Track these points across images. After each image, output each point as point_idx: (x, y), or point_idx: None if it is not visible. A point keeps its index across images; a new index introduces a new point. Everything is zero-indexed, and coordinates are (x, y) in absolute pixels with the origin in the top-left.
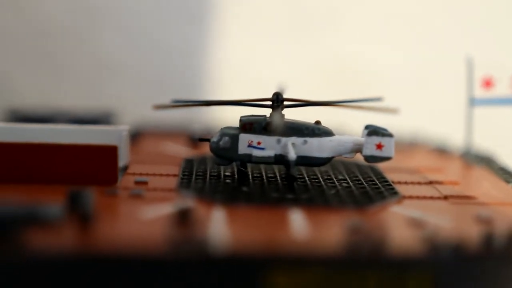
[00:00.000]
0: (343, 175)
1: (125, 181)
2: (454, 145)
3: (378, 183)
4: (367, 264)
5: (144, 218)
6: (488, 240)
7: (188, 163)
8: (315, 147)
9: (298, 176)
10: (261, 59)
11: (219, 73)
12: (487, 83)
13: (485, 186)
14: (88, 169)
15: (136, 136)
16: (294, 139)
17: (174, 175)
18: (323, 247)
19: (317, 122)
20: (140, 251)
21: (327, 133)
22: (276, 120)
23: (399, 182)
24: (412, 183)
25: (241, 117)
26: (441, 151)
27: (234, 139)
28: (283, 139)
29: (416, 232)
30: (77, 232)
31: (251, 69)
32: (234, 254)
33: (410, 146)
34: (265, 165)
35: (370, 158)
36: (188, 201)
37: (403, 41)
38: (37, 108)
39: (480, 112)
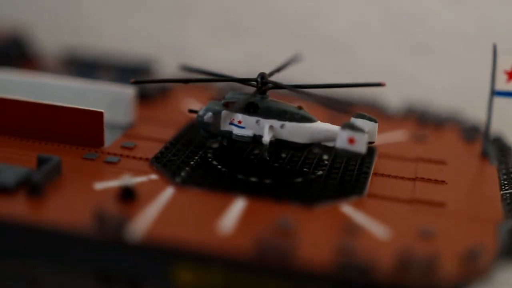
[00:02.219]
0: (328, 160)
1: (114, 145)
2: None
3: (355, 174)
4: (269, 272)
5: (94, 190)
6: (401, 268)
7: (186, 131)
8: (293, 132)
9: (281, 158)
10: None
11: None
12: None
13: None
14: (77, 130)
15: (165, 89)
16: (273, 121)
17: (165, 141)
18: (234, 247)
19: (299, 107)
20: (66, 225)
21: (307, 119)
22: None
23: (383, 175)
24: (395, 177)
25: (226, 95)
26: (468, 137)
27: (217, 115)
28: (262, 121)
29: (337, 242)
30: (24, 201)
31: None
32: (145, 243)
33: (442, 124)
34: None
35: (340, 151)
36: (135, 178)
37: None
38: (89, 49)
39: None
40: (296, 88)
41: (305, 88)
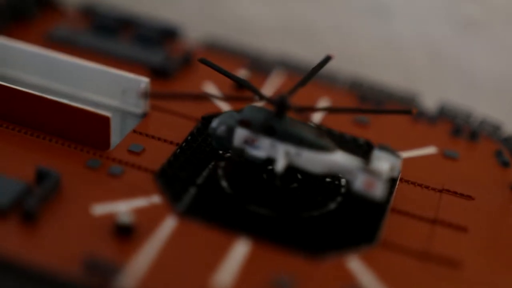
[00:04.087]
0: (344, 187)
1: (121, 146)
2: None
3: (371, 210)
4: None
5: (91, 216)
6: None
7: (199, 130)
8: (308, 161)
9: (291, 184)
10: None
11: None
12: None
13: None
14: (83, 130)
15: (187, 61)
16: (288, 148)
17: (175, 144)
18: None
19: (319, 129)
20: (54, 267)
21: (326, 148)
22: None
23: (400, 212)
24: (414, 216)
25: (242, 110)
26: (503, 161)
27: (231, 131)
28: (278, 145)
29: None
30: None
31: None
32: None
33: (477, 136)
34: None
35: (357, 193)
36: (130, 216)
37: None
38: (113, 9)
39: None
40: (319, 110)
41: (328, 111)
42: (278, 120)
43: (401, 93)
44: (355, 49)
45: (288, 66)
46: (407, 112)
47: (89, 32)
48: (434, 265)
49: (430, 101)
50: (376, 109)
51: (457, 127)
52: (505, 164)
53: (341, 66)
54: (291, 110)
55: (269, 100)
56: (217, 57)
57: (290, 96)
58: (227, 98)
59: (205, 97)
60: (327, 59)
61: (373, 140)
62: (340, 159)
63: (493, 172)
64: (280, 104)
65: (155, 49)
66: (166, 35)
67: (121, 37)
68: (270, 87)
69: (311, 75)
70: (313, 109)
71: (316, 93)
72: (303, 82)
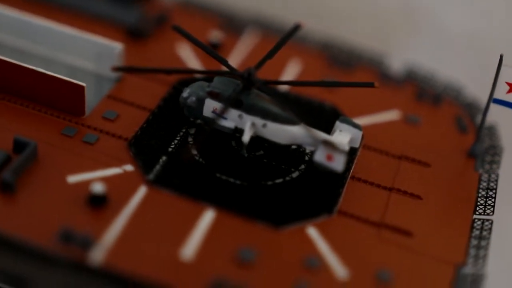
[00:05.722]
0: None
1: (96, 112)
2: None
3: (332, 179)
4: None
5: (67, 184)
6: None
7: (172, 96)
8: (273, 132)
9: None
10: None
11: None
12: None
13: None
14: (60, 98)
15: (162, 21)
16: (255, 119)
17: (148, 110)
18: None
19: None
20: (31, 239)
21: (291, 121)
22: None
23: (360, 179)
24: (372, 184)
25: (210, 84)
26: (462, 127)
27: (201, 101)
28: (245, 117)
29: (294, 282)
30: None
31: None
32: (103, 270)
33: (439, 101)
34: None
35: (318, 165)
36: (103, 186)
37: None
38: None
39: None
40: (284, 84)
41: (294, 84)
42: (245, 93)
43: (370, 54)
44: (326, 4)
45: (262, 25)
46: (369, 85)
47: None
48: (388, 233)
49: (399, 60)
50: (340, 82)
51: (421, 90)
52: (463, 130)
53: (312, 23)
54: (257, 84)
55: (236, 74)
56: (192, 15)
57: (257, 70)
58: (197, 72)
59: (177, 73)
60: (296, 28)
61: (339, 104)
62: (305, 131)
63: (451, 138)
64: (247, 78)
65: (130, 7)
66: None
67: None
68: (242, 49)
69: (279, 45)
70: (278, 83)
71: (286, 54)
72: (270, 54)
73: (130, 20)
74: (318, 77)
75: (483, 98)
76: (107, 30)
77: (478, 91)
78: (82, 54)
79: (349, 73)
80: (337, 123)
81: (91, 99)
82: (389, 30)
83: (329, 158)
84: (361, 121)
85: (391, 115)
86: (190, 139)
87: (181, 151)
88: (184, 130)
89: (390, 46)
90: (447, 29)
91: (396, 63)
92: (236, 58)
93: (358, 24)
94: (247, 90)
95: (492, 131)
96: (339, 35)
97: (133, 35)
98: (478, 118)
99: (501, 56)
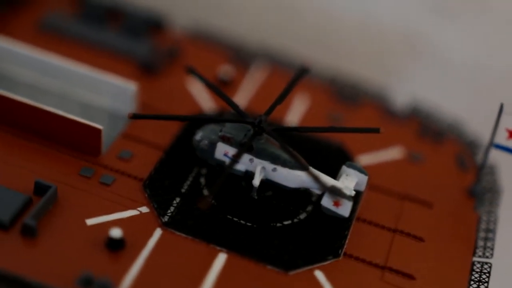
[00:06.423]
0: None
1: (111, 152)
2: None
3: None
4: None
5: (86, 227)
6: None
7: (185, 132)
8: (283, 176)
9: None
10: None
11: None
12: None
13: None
14: (76, 139)
15: (173, 54)
16: (265, 163)
17: (162, 148)
18: None
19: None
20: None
21: (299, 167)
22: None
23: (365, 221)
24: (377, 225)
25: (222, 128)
26: (463, 164)
27: (213, 144)
28: (256, 161)
29: None
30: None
31: None
32: None
33: (441, 138)
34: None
35: (325, 209)
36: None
37: None
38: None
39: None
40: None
41: (303, 131)
42: (256, 138)
43: (375, 89)
44: (331, 37)
45: (270, 57)
46: (375, 131)
47: (79, 21)
48: (390, 276)
49: (402, 92)
50: (347, 128)
51: (424, 127)
52: (464, 168)
53: (318, 53)
54: (267, 131)
55: (248, 122)
56: (201, 47)
57: (267, 117)
58: (210, 120)
59: (191, 120)
60: (303, 71)
61: (345, 139)
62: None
63: (453, 176)
64: (258, 126)
65: (142, 40)
66: (152, 24)
67: (109, 26)
68: (251, 84)
69: (288, 90)
70: (288, 129)
71: (293, 89)
72: (280, 99)
73: (142, 53)
74: (325, 113)
75: (485, 130)
76: (119, 63)
77: (480, 124)
78: (97, 91)
79: (354, 109)
80: (344, 167)
81: (105, 135)
82: (392, 61)
83: (336, 204)
84: (366, 159)
85: (395, 152)
86: (202, 179)
87: (199, 199)
88: (196, 170)
89: (394, 75)
90: (450, 60)
91: (400, 96)
92: (245, 93)
93: (363, 55)
94: (257, 135)
95: (492, 171)
96: (344, 66)
97: (145, 70)
98: (480, 156)
99: (501, 105)
